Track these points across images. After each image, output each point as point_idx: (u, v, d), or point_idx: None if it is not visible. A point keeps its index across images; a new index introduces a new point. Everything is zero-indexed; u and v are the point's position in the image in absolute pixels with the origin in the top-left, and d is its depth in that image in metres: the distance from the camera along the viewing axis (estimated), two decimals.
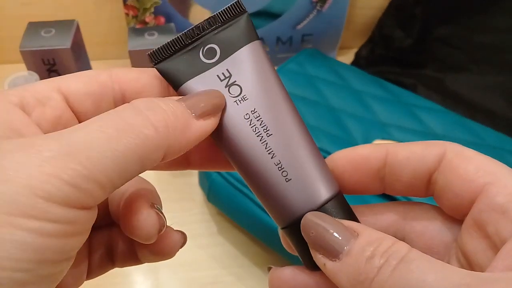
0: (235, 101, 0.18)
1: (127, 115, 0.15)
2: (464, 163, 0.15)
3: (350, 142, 0.41)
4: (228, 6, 0.19)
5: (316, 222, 0.16)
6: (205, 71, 0.18)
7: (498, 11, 0.49)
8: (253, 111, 0.18)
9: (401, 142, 0.40)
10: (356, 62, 0.59)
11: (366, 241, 0.14)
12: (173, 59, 0.18)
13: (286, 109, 0.18)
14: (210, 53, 0.18)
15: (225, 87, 0.18)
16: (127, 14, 0.55)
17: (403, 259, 0.13)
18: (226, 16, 0.19)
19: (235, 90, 0.18)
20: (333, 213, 0.17)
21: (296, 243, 0.17)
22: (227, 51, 0.18)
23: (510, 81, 0.48)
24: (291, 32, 0.58)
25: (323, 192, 0.17)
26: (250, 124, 0.18)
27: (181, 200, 0.45)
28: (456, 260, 0.16)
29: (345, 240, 0.15)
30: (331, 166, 0.18)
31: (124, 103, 0.16)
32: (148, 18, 0.55)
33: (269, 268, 0.18)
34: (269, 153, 0.18)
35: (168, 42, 0.18)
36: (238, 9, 0.19)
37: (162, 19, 0.56)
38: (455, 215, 0.16)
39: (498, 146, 0.41)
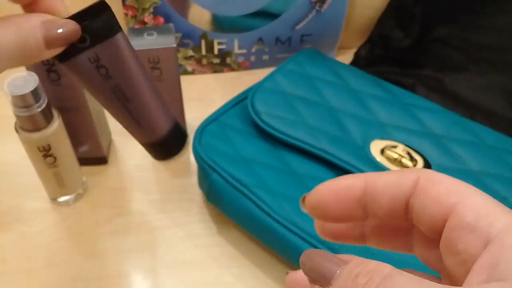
0: (103, 77, 0.25)
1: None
2: (435, 186, 0.17)
3: (349, 142, 0.41)
4: (94, 4, 0.24)
5: (310, 255, 0.17)
6: (80, 53, 0.24)
7: (498, 11, 0.49)
8: (118, 86, 0.25)
9: (401, 142, 0.41)
10: (355, 62, 0.59)
11: (354, 264, 0.15)
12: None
13: (138, 82, 0.26)
14: (82, 41, 0.23)
15: (96, 69, 0.24)
16: (126, 14, 0.55)
17: (385, 276, 0.14)
18: (93, 11, 0.23)
19: (102, 70, 0.25)
20: (177, 134, 0.29)
21: None
22: (95, 39, 0.24)
23: (509, 81, 0.48)
24: (290, 32, 0.58)
25: (162, 127, 0.28)
26: (115, 95, 0.26)
27: (180, 201, 0.45)
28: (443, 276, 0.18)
29: (336, 267, 0.16)
30: (317, 198, 0.19)
31: None
32: (147, 18, 0.55)
33: (288, 273, 0.20)
34: (128, 111, 0.26)
35: None
36: (102, 5, 0.24)
37: (161, 19, 0.55)
38: (433, 236, 0.17)
39: (497, 146, 0.41)
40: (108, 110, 0.27)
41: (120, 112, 0.27)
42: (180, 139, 0.30)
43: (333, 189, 0.19)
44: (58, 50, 0.22)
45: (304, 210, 0.20)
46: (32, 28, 0.21)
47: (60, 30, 0.22)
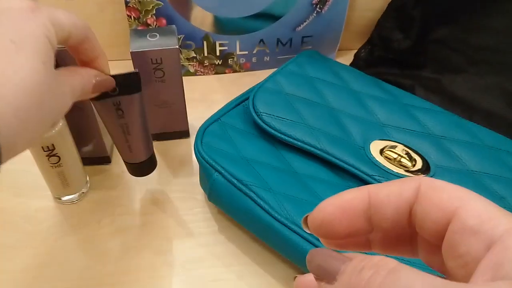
0: (118, 116, 0.36)
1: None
2: (437, 193, 0.17)
3: (349, 142, 0.41)
4: (131, 73, 0.35)
5: (315, 253, 0.17)
6: (109, 98, 0.35)
7: (496, 12, 0.50)
8: (126, 124, 0.37)
9: (400, 142, 0.41)
10: (355, 63, 0.59)
11: (358, 259, 0.16)
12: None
13: (139, 125, 0.38)
14: (114, 91, 0.34)
15: (115, 110, 0.36)
16: (129, 16, 0.55)
17: (391, 270, 0.14)
18: (127, 76, 0.35)
19: (119, 112, 0.36)
20: (151, 162, 0.42)
21: None
22: (122, 93, 0.35)
23: (507, 82, 0.49)
24: (291, 33, 0.59)
25: (144, 155, 0.41)
26: (122, 129, 0.38)
27: (183, 200, 0.46)
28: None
29: (341, 263, 0.16)
30: (320, 215, 0.19)
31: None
32: (150, 20, 0.56)
33: (295, 277, 0.21)
34: (126, 140, 0.38)
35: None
36: (135, 75, 0.35)
37: (163, 21, 0.56)
38: (436, 242, 0.18)
39: (495, 146, 0.41)
40: (112, 135, 0.39)
41: (120, 140, 0.39)
42: (152, 165, 0.43)
43: (337, 205, 0.19)
44: (97, 94, 0.33)
45: (307, 230, 0.19)
46: (89, 78, 0.31)
47: (103, 82, 0.32)
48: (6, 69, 0.24)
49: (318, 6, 0.57)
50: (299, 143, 0.41)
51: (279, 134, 0.42)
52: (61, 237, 0.42)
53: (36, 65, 0.25)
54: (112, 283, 0.39)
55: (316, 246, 0.35)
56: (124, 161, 0.42)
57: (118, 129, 0.38)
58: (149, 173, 0.43)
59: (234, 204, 0.39)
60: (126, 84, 0.35)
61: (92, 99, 0.35)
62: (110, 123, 0.37)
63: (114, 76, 0.33)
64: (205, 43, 0.59)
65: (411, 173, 0.39)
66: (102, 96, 0.34)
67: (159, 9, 0.55)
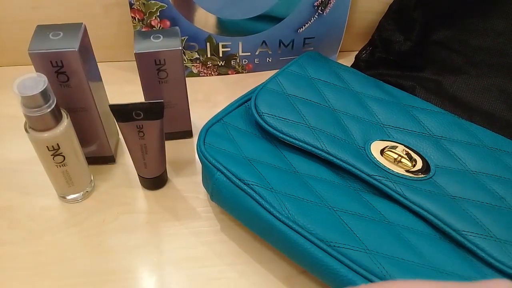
0: (139, 137, 0.41)
1: None
2: None
3: (350, 143, 0.42)
4: (156, 102, 0.38)
5: None
6: (133, 120, 0.39)
7: (496, 14, 0.50)
8: (145, 144, 0.41)
9: (401, 143, 0.42)
10: (356, 65, 0.60)
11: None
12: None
13: (157, 146, 0.42)
14: (138, 115, 0.39)
15: (137, 131, 0.40)
16: (133, 18, 0.56)
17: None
18: (153, 103, 0.38)
19: (141, 133, 0.40)
20: (162, 179, 0.47)
21: None
22: (145, 117, 0.39)
23: (507, 83, 0.49)
24: (293, 35, 0.59)
25: (157, 172, 0.45)
26: (141, 148, 0.42)
27: (185, 199, 0.46)
28: None
29: None
30: None
31: None
32: (154, 21, 0.56)
33: None
34: (143, 158, 0.43)
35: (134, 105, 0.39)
36: (160, 104, 0.39)
37: (167, 23, 0.57)
38: None
39: (495, 147, 0.41)
40: (131, 152, 0.43)
41: (138, 157, 0.43)
42: (162, 181, 0.47)
43: None
44: None
45: None
46: None
47: None
48: None
49: (320, 8, 0.57)
50: (300, 144, 0.41)
51: (280, 135, 0.42)
52: (65, 235, 0.43)
53: None
54: (115, 280, 0.40)
55: (317, 245, 0.35)
56: (138, 174, 0.46)
57: (137, 148, 0.42)
58: (159, 188, 0.47)
59: (236, 204, 0.40)
60: (151, 111, 0.39)
61: (118, 121, 0.39)
62: (131, 141, 0.41)
63: (141, 103, 0.37)
64: (208, 44, 0.59)
65: (411, 173, 0.39)
66: (128, 119, 0.38)
67: (163, 11, 0.56)
